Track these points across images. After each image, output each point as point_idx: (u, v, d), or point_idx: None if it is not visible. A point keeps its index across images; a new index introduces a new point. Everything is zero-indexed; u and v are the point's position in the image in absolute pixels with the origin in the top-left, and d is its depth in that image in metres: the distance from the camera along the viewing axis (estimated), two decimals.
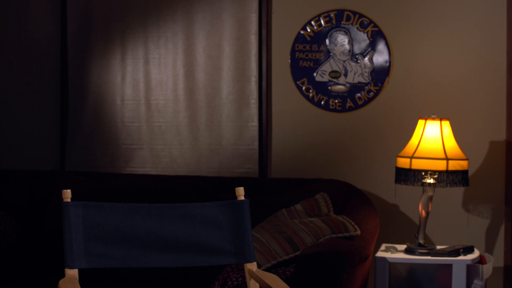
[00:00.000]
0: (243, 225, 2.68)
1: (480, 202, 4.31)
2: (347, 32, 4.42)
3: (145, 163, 4.57)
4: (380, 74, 4.40)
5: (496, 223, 4.29)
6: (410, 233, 4.28)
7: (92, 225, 2.56)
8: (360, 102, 4.42)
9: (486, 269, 3.86)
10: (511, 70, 4.25)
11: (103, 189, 4.12)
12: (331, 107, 4.45)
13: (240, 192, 2.74)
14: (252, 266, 2.66)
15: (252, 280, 2.65)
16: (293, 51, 4.47)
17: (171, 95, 4.55)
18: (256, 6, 4.45)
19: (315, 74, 4.46)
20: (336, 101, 4.44)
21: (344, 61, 4.43)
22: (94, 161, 4.62)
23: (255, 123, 4.46)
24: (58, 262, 4.00)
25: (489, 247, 4.29)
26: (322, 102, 4.45)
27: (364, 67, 4.41)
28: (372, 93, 4.41)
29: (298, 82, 4.47)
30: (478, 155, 4.29)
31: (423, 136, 3.92)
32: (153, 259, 2.62)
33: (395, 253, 3.90)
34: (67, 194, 2.53)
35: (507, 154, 4.26)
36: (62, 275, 2.50)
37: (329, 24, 4.44)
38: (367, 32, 4.40)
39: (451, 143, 3.92)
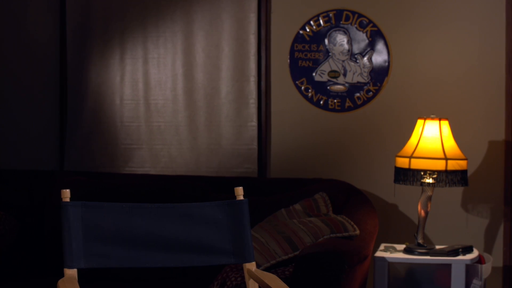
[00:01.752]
0: (242, 225, 2.68)
1: (479, 202, 4.31)
2: (346, 32, 4.42)
3: (144, 163, 4.57)
4: (379, 74, 4.40)
5: (495, 223, 4.29)
6: (409, 233, 4.28)
7: (92, 225, 2.56)
8: (359, 102, 4.42)
9: (485, 269, 3.86)
10: (510, 70, 4.25)
11: (102, 189, 4.12)
12: (330, 107, 4.45)
13: (239, 192, 2.73)
14: (251, 266, 2.66)
15: (251, 280, 2.65)
16: (292, 51, 4.47)
17: (170, 95, 4.55)
18: (255, 6, 4.45)
19: (314, 74, 4.46)
20: (335, 101, 4.44)
21: (343, 61, 4.43)
22: (93, 161, 4.62)
23: (254, 123, 4.46)
24: (57, 262, 4.00)
25: (488, 247, 4.29)
26: (321, 102, 4.45)
27: (363, 67, 4.41)
28: (371, 93, 4.41)
29: (297, 82, 4.47)
30: (477, 155, 4.29)
31: (422, 136, 3.92)
32: (152, 259, 2.62)
33: (394, 253, 3.90)
34: (66, 194, 2.53)
35: (506, 153, 4.26)
36: (62, 275, 2.50)
37: (328, 24, 4.44)
38: (366, 32, 4.40)
39: (450, 143, 3.92)
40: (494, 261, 4.23)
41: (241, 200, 2.70)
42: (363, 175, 4.41)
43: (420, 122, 3.97)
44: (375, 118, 4.40)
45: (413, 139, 3.95)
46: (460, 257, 3.83)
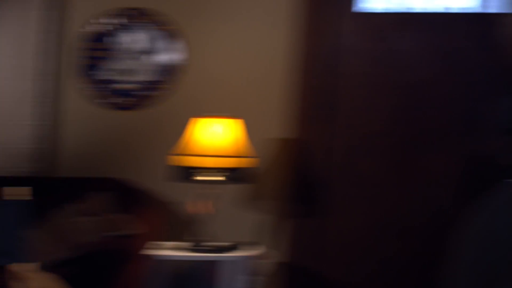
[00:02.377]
0: (13, 225, 2.66)
1: (262, 199, 4.38)
2: (138, 30, 4.41)
3: None
4: (170, 74, 4.40)
5: (278, 220, 4.35)
6: (187, 230, 4.29)
7: None
8: (147, 101, 4.42)
9: (260, 266, 3.96)
10: (296, 68, 4.31)
11: None
12: (117, 106, 4.44)
13: (9, 191, 2.70)
14: (26, 267, 2.63)
15: (28, 280, 2.63)
16: (80, 49, 4.43)
17: None
18: (41, 2, 4.38)
19: (101, 73, 4.43)
20: (123, 99, 4.45)
21: (133, 60, 4.43)
22: None
23: (36, 122, 4.40)
24: None
25: (272, 244, 4.35)
26: (108, 101, 4.44)
27: (153, 66, 4.40)
28: (160, 92, 4.41)
29: (84, 81, 4.44)
30: (263, 152, 4.32)
31: (199, 134, 3.93)
32: None
33: (167, 251, 3.91)
34: None
35: (290, 151, 4.32)
36: None
37: (119, 21, 4.42)
38: (159, 30, 4.40)
39: (232, 141, 3.95)
40: (279, 257, 4.30)
41: (11, 200, 2.68)
42: (146, 173, 4.40)
43: (198, 120, 3.98)
44: (162, 117, 4.41)
45: (190, 137, 3.96)
46: (229, 254, 3.90)
